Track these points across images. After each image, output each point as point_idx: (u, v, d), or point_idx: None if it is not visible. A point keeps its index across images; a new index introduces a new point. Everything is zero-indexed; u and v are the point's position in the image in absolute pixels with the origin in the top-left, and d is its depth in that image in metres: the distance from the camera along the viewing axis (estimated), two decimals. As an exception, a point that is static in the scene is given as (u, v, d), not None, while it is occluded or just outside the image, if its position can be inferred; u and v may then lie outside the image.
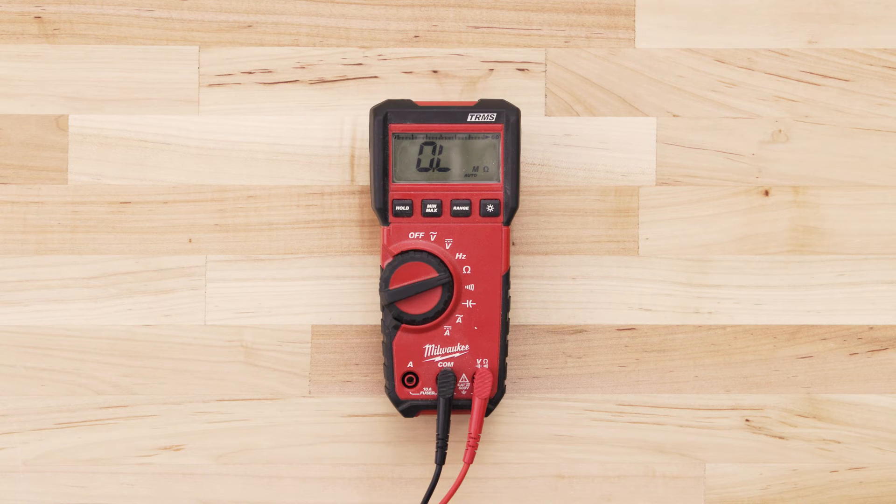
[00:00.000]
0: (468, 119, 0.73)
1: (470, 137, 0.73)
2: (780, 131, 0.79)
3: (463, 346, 0.74)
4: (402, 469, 0.78)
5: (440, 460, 0.73)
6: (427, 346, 0.74)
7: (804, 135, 0.79)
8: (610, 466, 0.78)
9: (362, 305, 0.78)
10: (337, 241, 0.78)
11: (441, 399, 0.73)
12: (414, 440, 0.78)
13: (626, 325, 0.78)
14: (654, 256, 0.78)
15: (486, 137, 0.74)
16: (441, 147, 0.73)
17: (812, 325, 0.79)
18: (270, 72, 0.78)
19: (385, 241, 0.74)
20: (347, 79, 0.78)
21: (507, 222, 0.74)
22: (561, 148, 0.78)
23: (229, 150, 0.78)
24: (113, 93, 0.78)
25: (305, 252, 0.78)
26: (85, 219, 0.78)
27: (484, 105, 0.74)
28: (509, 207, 0.74)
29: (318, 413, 0.78)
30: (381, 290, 0.73)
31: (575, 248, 0.78)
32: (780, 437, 0.79)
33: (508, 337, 0.77)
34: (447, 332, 0.74)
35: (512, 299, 0.78)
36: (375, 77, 0.78)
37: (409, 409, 0.74)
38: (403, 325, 0.73)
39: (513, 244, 0.78)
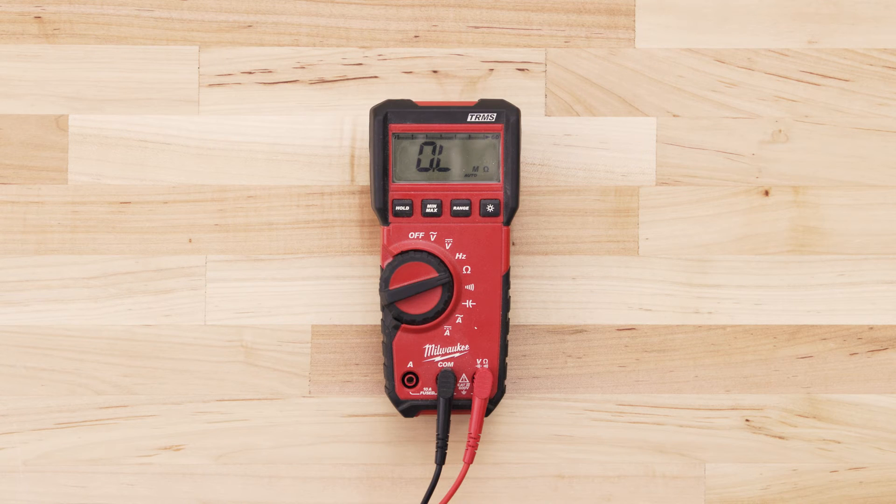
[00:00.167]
0: (468, 119, 0.73)
1: (470, 137, 0.73)
2: (780, 131, 0.79)
3: (463, 346, 0.74)
4: (402, 469, 0.78)
5: (440, 460, 0.73)
6: (427, 346, 0.74)
7: (804, 135, 0.79)
8: (610, 466, 0.78)
9: (362, 305, 0.78)
10: (337, 241, 0.78)
11: (441, 399, 0.73)
12: (414, 440, 0.78)
13: (626, 325, 0.78)
14: (654, 256, 0.78)
15: (486, 137, 0.74)
16: (441, 147, 0.73)
17: (812, 325, 0.79)
18: (270, 72, 0.78)
19: (385, 241, 0.74)
20: (347, 79, 0.78)
21: (507, 222, 0.74)
22: (561, 148, 0.78)
23: (229, 150, 0.78)
24: (113, 93, 0.78)
25: (305, 252, 0.78)
26: (85, 219, 0.78)
27: (484, 105, 0.74)
28: (509, 207, 0.74)
29: (318, 413, 0.78)
30: (381, 290, 0.73)
31: (575, 248, 0.78)
32: (780, 437, 0.79)
33: (508, 337, 0.77)
34: (447, 332, 0.74)
35: (512, 299, 0.78)
36: (375, 77, 0.78)
37: (409, 409, 0.74)
38: (403, 325, 0.73)
39: (513, 244, 0.78)
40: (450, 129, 0.73)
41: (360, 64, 0.78)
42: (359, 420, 0.78)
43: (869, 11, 0.79)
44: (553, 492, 0.78)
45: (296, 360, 0.78)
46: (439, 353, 0.74)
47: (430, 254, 0.73)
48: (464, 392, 0.74)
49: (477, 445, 0.73)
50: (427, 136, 0.73)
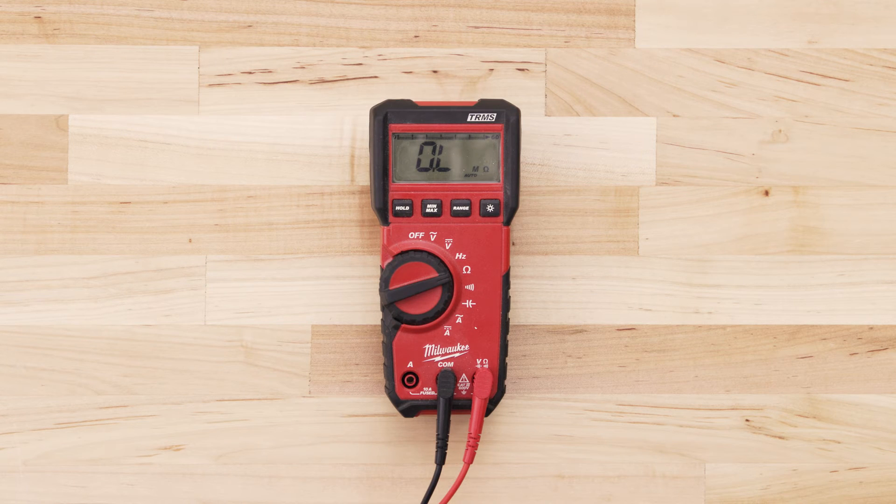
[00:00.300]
0: (468, 119, 0.73)
1: (470, 137, 0.73)
2: (780, 131, 0.79)
3: (463, 346, 0.74)
4: (402, 469, 0.78)
5: (440, 460, 0.73)
6: (427, 346, 0.74)
7: (804, 135, 0.79)
8: (610, 466, 0.78)
9: (362, 305, 0.78)
10: (337, 241, 0.78)
11: (441, 399, 0.73)
12: (414, 440, 0.78)
13: (626, 325, 0.78)
14: (654, 256, 0.78)
15: (486, 137, 0.73)
16: (441, 147, 0.73)
17: (812, 325, 0.79)
18: (270, 72, 0.78)
19: (385, 241, 0.74)
20: (347, 79, 0.78)
21: (507, 222, 0.74)
22: (561, 148, 0.78)
23: (229, 150, 0.78)
24: (113, 93, 0.78)
25: (305, 252, 0.78)
26: (85, 219, 0.78)
27: (484, 105, 0.74)
28: (509, 207, 0.74)
29: (318, 413, 0.78)
30: (381, 290, 0.73)
31: (575, 248, 0.78)
32: (780, 437, 0.79)
33: (508, 337, 0.77)
34: (447, 332, 0.74)
35: (512, 299, 0.78)
36: (375, 77, 0.78)
37: (409, 409, 0.74)
38: (403, 325, 0.73)
39: (513, 244, 0.78)
40: (450, 129, 0.73)
41: (360, 64, 0.78)
42: (359, 420, 0.78)
43: (869, 11, 0.79)
44: (553, 492, 0.78)
45: (296, 360, 0.78)
46: (439, 353, 0.74)
47: (430, 254, 0.73)
48: (464, 392, 0.74)
49: (477, 445, 0.73)
50: (427, 136, 0.73)
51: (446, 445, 0.73)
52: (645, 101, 0.78)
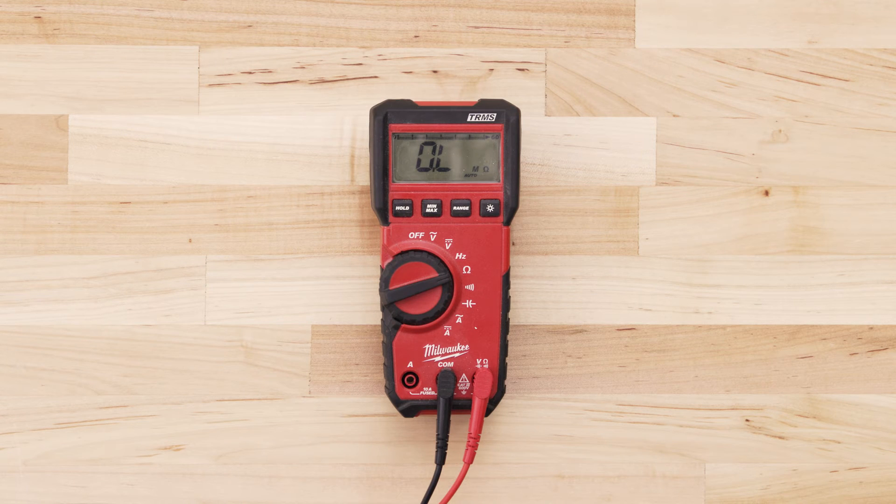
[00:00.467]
0: (468, 119, 0.73)
1: (470, 137, 0.73)
2: (780, 131, 0.79)
3: (463, 346, 0.74)
4: (402, 469, 0.78)
5: (440, 460, 0.73)
6: (427, 346, 0.74)
7: (804, 135, 0.79)
8: (610, 466, 0.78)
9: (362, 305, 0.78)
10: (337, 241, 0.78)
11: (441, 399, 0.73)
12: (414, 440, 0.78)
13: (626, 325, 0.78)
14: (654, 256, 0.78)
15: (486, 137, 0.73)
16: (441, 147, 0.73)
17: (812, 325, 0.79)
18: (270, 72, 0.78)
19: (385, 241, 0.74)
20: (347, 79, 0.78)
21: (507, 222, 0.74)
22: (561, 148, 0.78)
23: (229, 150, 0.78)
24: (113, 93, 0.78)
25: (305, 252, 0.78)
26: (85, 219, 0.78)
27: (484, 105, 0.74)
28: (509, 207, 0.74)
29: (318, 413, 0.78)
30: (381, 290, 0.73)
31: (575, 248, 0.78)
32: (780, 437, 0.79)
33: (508, 337, 0.77)
34: (447, 332, 0.74)
35: (512, 299, 0.78)
36: (375, 77, 0.78)
37: (409, 409, 0.74)
38: (403, 325, 0.73)
39: (513, 244, 0.78)
40: (450, 129, 0.73)
41: (360, 64, 0.78)
42: (359, 420, 0.78)
43: (869, 11, 0.79)
44: (553, 492, 0.78)
45: (296, 360, 0.78)
46: (439, 353, 0.74)
47: (430, 254, 0.73)
48: (464, 392, 0.74)
49: (477, 445, 0.73)
50: (427, 136, 0.73)
51: (446, 445, 0.73)
52: (645, 101, 0.78)
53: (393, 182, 0.73)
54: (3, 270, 0.77)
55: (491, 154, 0.74)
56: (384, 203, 0.73)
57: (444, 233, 0.73)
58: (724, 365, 0.79)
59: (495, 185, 0.74)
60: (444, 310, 0.73)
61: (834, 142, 0.79)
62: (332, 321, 0.78)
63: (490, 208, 0.73)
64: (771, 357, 0.79)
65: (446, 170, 0.74)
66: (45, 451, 0.77)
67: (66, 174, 0.78)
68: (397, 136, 0.73)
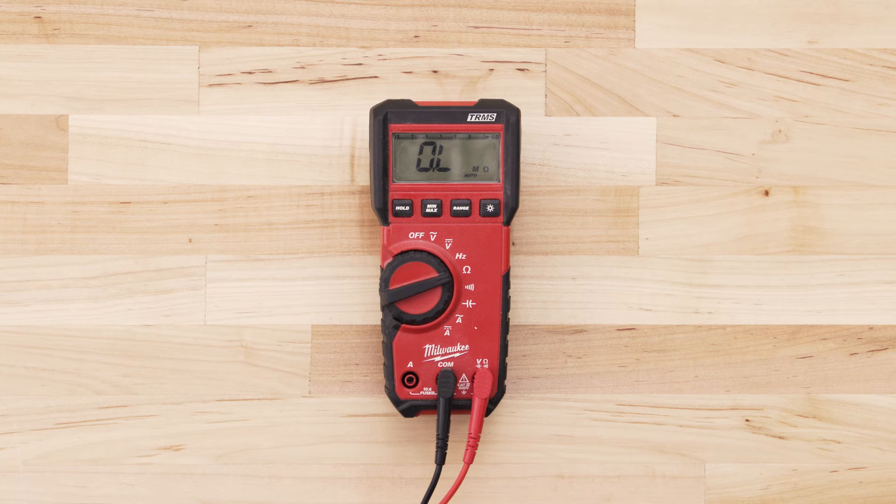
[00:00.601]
0: (468, 119, 0.73)
1: (470, 137, 0.73)
2: (780, 131, 0.79)
3: (463, 346, 0.74)
4: (402, 469, 0.78)
5: (440, 460, 0.73)
6: (427, 346, 0.74)
7: (804, 135, 0.79)
8: (610, 466, 0.78)
9: (362, 305, 0.78)
10: (337, 241, 0.78)
11: (441, 399, 0.73)
12: (414, 440, 0.78)
13: (626, 325, 0.78)
14: (654, 256, 0.78)
15: (486, 137, 0.73)
16: (441, 147, 0.73)
17: (812, 325, 0.79)
18: (270, 72, 0.78)
19: (385, 241, 0.73)
20: (347, 79, 0.78)
21: (507, 222, 0.74)
22: (561, 148, 0.78)
23: (229, 150, 0.78)
24: (113, 93, 0.78)
25: (305, 252, 0.78)
26: (85, 219, 0.78)
27: (484, 105, 0.74)
28: (509, 207, 0.74)
29: (318, 413, 0.78)
30: (381, 290, 0.73)
31: (575, 248, 0.78)
32: (780, 437, 0.79)
33: (508, 337, 0.77)
34: (447, 332, 0.74)
35: (512, 299, 0.78)
36: (375, 77, 0.78)
37: (409, 409, 0.74)
38: (403, 325, 0.73)
39: (513, 244, 0.78)
40: (450, 129, 0.73)
41: (360, 64, 0.78)
42: (359, 420, 0.78)
43: (869, 11, 0.79)
44: (553, 492, 0.78)
45: (296, 360, 0.78)
46: (439, 353, 0.74)
47: (430, 254, 0.73)
48: (464, 392, 0.74)
49: (477, 445, 0.73)
50: (427, 136, 0.73)
51: (446, 445, 0.73)
52: (645, 101, 0.78)
53: (393, 182, 0.73)
54: (3, 270, 0.77)
55: (491, 154, 0.74)
56: (384, 203, 0.73)
57: (444, 233, 0.73)
58: (724, 365, 0.79)
59: (495, 185, 0.74)
60: (444, 310, 0.73)
61: (834, 142, 0.79)
62: (332, 321, 0.78)
63: (490, 208, 0.73)
64: (771, 357, 0.79)
65: (446, 170, 0.74)
66: (45, 451, 0.77)
67: (66, 174, 0.78)
68: (397, 136, 0.73)
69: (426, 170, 0.74)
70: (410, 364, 0.74)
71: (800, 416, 0.79)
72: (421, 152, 0.73)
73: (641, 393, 0.78)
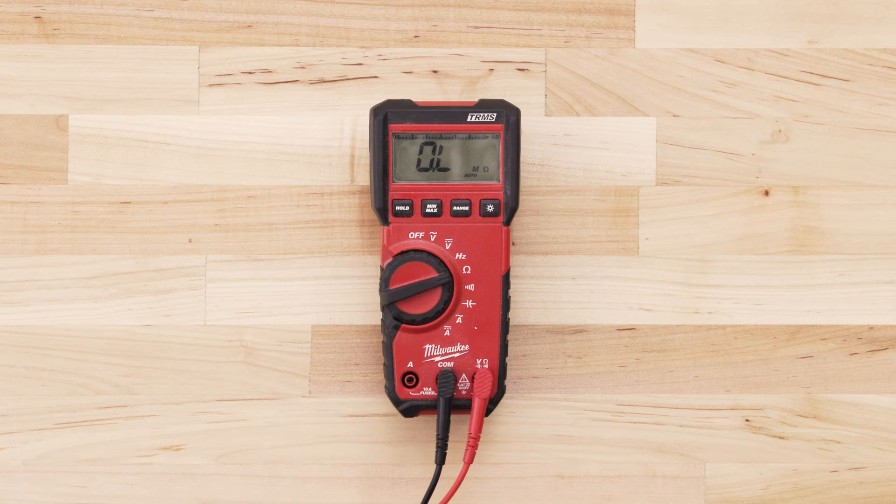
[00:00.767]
0: (468, 119, 0.73)
1: (470, 137, 0.73)
2: (780, 131, 0.79)
3: (463, 346, 0.74)
4: (402, 469, 0.78)
5: (440, 460, 0.73)
6: (427, 346, 0.74)
7: (804, 135, 0.79)
8: (610, 466, 0.78)
9: (362, 305, 0.78)
10: (337, 241, 0.78)
11: (441, 399, 0.73)
12: (414, 440, 0.78)
13: (626, 325, 0.78)
14: (654, 256, 0.78)
15: (486, 137, 0.73)
16: (441, 147, 0.73)
17: (812, 325, 0.79)
18: (270, 72, 0.78)
19: (385, 241, 0.74)
20: (347, 79, 0.78)
21: (507, 222, 0.74)
22: (561, 148, 0.78)
23: (229, 150, 0.78)
24: (113, 93, 0.78)
25: (305, 252, 0.78)
26: (85, 219, 0.78)
27: (484, 105, 0.74)
28: (509, 207, 0.74)
29: (318, 413, 0.78)
30: (381, 290, 0.73)
31: (575, 248, 0.78)
32: (780, 437, 0.79)
33: (508, 337, 0.77)
34: (447, 332, 0.74)
35: (512, 299, 0.78)
36: (375, 77, 0.78)
37: (409, 409, 0.74)
38: (403, 325, 0.73)
39: (513, 244, 0.78)
40: (450, 129, 0.73)
41: (360, 64, 0.78)
42: (359, 420, 0.78)
43: (869, 11, 0.79)
44: (553, 492, 0.78)
45: (296, 360, 0.78)
46: (439, 353, 0.74)
47: (430, 254, 0.73)
48: (464, 392, 0.74)
49: (477, 445, 0.73)
50: (427, 136, 0.73)
51: (446, 445, 0.73)
52: (645, 101, 0.78)
53: (393, 182, 0.73)
54: (3, 270, 0.77)
55: (491, 154, 0.74)
56: (384, 203, 0.73)
57: (444, 233, 0.73)
58: (724, 365, 0.79)
59: (495, 185, 0.74)
60: (444, 310, 0.73)
61: (834, 142, 0.79)
62: (332, 321, 0.78)
63: (490, 208, 0.73)
64: (771, 357, 0.79)
65: (446, 170, 0.74)
66: (45, 451, 0.77)
67: (66, 174, 0.78)
68: (397, 136, 0.73)
69: (426, 170, 0.74)
70: (410, 364, 0.74)
71: (800, 416, 0.79)
72: (421, 152, 0.73)
73: (641, 393, 0.78)
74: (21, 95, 0.78)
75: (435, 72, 0.78)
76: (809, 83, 0.79)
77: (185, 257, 0.78)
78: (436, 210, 0.73)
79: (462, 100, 0.78)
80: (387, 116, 0.73)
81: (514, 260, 0.78)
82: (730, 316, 0.78)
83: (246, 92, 0.78)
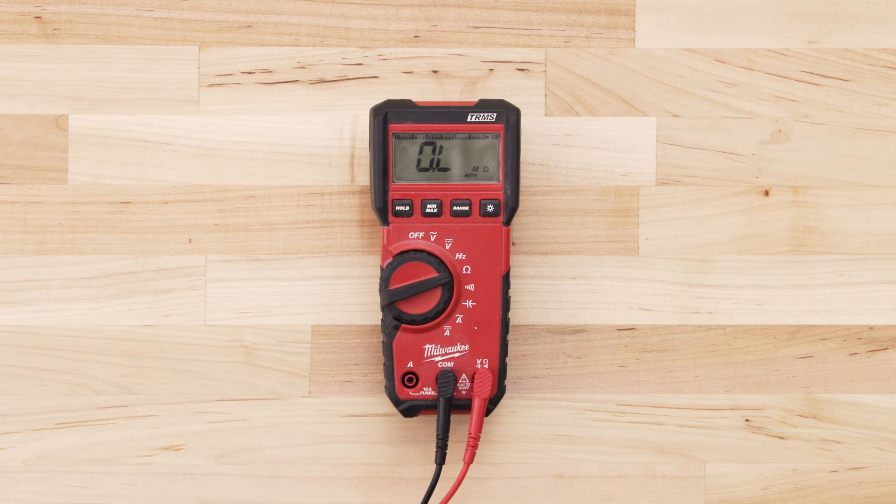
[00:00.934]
0: (468, 119, 0.73)
1: (470, 137, 0.73)
2: (780, 131, 0.79)
3: (463, 346, 0.74)
4: (402, 469, 0.78)
5: (440, 460, 0.73)
6: (427, 346, 0.74)
7: (804, 135, 0.79)
8: (610, 466, 0.78)
9: (362, 305, 0.78)
10: (337, 241, 0.78)
11: (441, 399, 0.73)
12: (414, 440, 0.78)
13: (626, 325, 0.78)
14: (654, 256, 0.78)
15: (486, 137, 0.74)
16: (441, 147, 0.73)
17: (812, 325, 0.79)
18: (270, 72, 0.78)
19: (385, 241, 0.73)
20: (347, 79, 0.78)
21: (507, 222, 0.74)
22: (561, 148, 0.78)
23: (229, 150, 0.78)
24: (113, 93, 0.78)
25: (305, 252, 0.78)
26: (85, 219, 0.78)
27: (484, 105, 0.74)
28: (509, 207, 0.74)
29: (318, 413, 0.78)
30: (381, 290, 0.73)
31: (575, 248, 0.78)
32: (780, 437, 0.79)
33: (508, 337, 0.77)
34: (447, 332, 0.74)
35: (512, 299, 0.78)
36: (375, 77, 0.78)
37: (409, 409, 0.74)
38: (403, 325, 0.73)
39: (513, 244, 0.78)
40: (450, 129, 0.73)
41: (360, 64, 0.78)
42: (359, 420, 0.78)
43: (869, 11, 0.79)
44: (553, 492, 0.78)
45: (296, 360, 0.78)
46: (439, 353, 0.74)
47: (430, 254, 0.73)
48: (464, 392, 0.74)
49: (477, 445, 0.73)
50: (427, 136, 0.73)
51: (446, 445, 0.73)
52: (645, 101, 0.78)
53: (393, 182, 0.73)
54: (3, 270, 0.77)
55: (491, 154, 0.74)
56: (384, 203, 0.73)
57: (444, 233, 0.73)
58: (724, 365, 0.79)
59: (495, 185, 0.74)
60: (444, 310, 0.73)
61: (834, 142, 0.79)
62: (332, 321, 0.78)
63: (490, 208, 0.73)
64: (771, 357, 0.79)
65: (446, 170, 0.74)
66: (45, 451, 0.77)
67: (66, 174, 0.78)
68: (397, 136, 0.73)
69: (426, 170, 0.74)
70: (410, 364, 0.74)
71: (800, 416, 0.79)
72: (421, 152, 0.73)
73: (641, 393, 0.78)
74: (21, 95, 0.78)
75: (435, 72, 0.78)
76: (809, 83, 0.79)
77: (185, 257, 0.78)
78: (436, 210, 0.73)
79: (462, 100, 0.78)
80: (387, 116, 0.73)
81: (514, 260, 0.78)
82: (730, 316, 0.78)
83: (246, 92, 0.78)
